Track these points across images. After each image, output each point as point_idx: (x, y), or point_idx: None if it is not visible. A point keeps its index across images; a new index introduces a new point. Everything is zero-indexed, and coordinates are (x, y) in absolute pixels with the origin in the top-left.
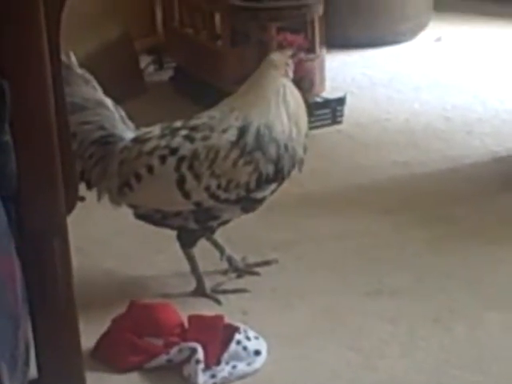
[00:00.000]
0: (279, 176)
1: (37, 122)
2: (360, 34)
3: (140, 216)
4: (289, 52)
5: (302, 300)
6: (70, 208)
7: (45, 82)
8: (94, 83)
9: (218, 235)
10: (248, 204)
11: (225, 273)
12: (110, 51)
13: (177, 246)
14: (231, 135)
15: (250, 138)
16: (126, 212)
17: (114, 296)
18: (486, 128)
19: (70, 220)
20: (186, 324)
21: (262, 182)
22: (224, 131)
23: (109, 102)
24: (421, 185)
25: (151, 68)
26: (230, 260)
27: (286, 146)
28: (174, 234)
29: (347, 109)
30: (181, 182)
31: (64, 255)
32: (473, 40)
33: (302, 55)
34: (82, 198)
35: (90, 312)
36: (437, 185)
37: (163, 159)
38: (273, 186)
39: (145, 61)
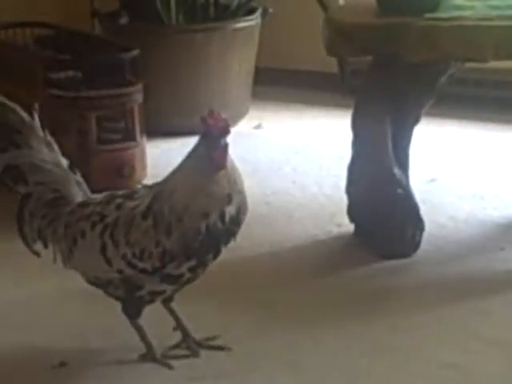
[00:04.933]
0: (193, 256)
1: None
2: (181, 121)
3: (89, 282)
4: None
5: None
6: None
7: None
8: (54, 146)
9: None
10: (166, 277)
11: None
12: None
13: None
14: (144, 205)
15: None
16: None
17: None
18: (305, 212)
19: None
20: None
21: (168, 258)
22: (142, 201)
23: (65, 165)
24: (243, 269)
25: None
26: None
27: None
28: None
29: None
30: (103, 249)
31: None
32: (291, 127)
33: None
34: (37, 254)
35: None
36: (259, 269)
37: (94, 225)
38: (191, 263)
39: None
